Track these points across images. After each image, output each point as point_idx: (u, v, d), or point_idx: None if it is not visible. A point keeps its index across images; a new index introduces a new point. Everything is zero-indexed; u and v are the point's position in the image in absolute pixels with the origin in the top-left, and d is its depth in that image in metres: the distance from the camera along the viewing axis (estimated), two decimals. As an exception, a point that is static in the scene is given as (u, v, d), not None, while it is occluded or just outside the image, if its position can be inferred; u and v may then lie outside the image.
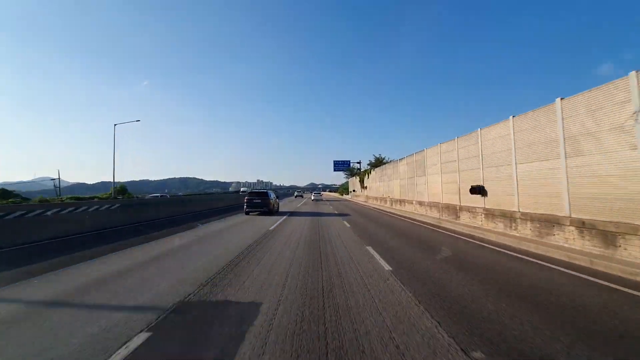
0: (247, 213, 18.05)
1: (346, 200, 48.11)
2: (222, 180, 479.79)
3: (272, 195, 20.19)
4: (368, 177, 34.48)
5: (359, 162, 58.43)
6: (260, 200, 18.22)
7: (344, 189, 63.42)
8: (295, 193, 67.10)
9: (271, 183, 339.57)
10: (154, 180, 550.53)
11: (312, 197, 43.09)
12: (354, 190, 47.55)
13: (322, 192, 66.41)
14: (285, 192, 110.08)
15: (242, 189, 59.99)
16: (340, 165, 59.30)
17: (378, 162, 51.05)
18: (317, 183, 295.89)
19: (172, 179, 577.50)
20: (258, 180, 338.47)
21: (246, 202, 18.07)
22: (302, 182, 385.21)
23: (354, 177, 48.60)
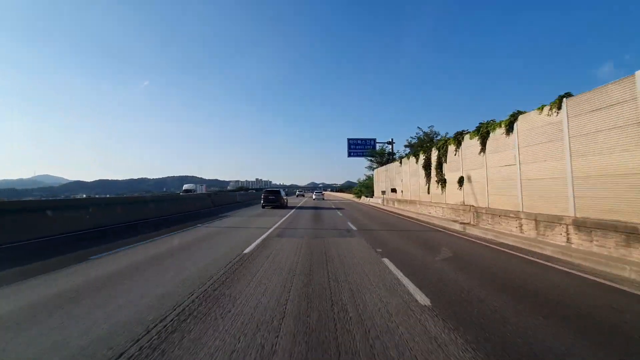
0: (263, 207, 21.95)
1: (371, 206, 24.52)
2: (222, 178, 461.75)
3: (283, 193, 24.50)
4: (458, 152, 10.62)
5: (391, 142, 34.61)
6: (274, 197, 22.41)
7: (363, 187, 38.92)
8: (297, 192, 68.83)
9: (270, 182, 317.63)
10: (152, 179, 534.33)
11: (313, 197, 42.00)
12: (393, 190, 23.69)
13: (323, 192, 64.16)
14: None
15: (184, 187, 36.56)
16: (360, 148, 35.43)
17: (425, 143, 26.48)
18: (318, 182, 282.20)
19: (170, 177, 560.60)
20: (257, 179, 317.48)
21: (263, 198, 22.38)
22: (303, 182, 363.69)
23: (397, 163, 24.40)
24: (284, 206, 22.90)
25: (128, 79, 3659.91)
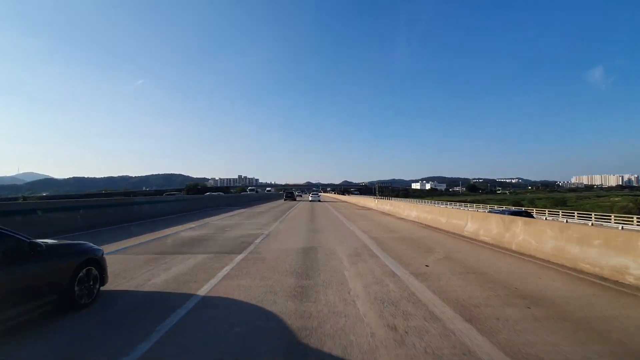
0: (284, 200, 42.98)
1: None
2: (210, 177, 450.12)
3: (294, 191, 51.86)
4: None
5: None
6: (291, 194, 44.90)
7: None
8: (296, 193, 73.33)
9: (257, 180, 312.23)
10: (135, 177, 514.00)
11: (310, 198, 42.66)
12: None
13: (320, 193, 57.46)
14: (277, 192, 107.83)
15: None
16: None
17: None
18: (314, 182, 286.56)
19: (154, 175, 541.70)
20: (239, 176, 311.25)
21: (285, 195, 46.03)
22: (299, 180, 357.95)
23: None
24: (295, 199, 42.62)
25: (118, 74, 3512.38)
